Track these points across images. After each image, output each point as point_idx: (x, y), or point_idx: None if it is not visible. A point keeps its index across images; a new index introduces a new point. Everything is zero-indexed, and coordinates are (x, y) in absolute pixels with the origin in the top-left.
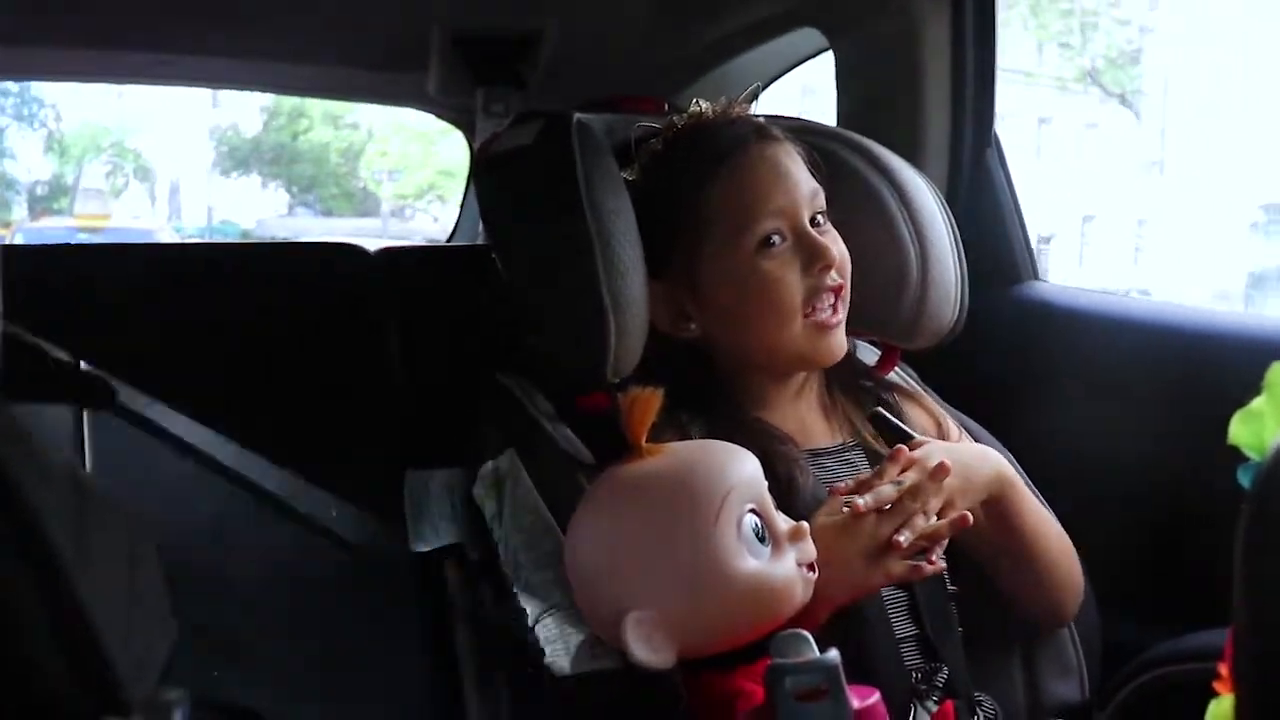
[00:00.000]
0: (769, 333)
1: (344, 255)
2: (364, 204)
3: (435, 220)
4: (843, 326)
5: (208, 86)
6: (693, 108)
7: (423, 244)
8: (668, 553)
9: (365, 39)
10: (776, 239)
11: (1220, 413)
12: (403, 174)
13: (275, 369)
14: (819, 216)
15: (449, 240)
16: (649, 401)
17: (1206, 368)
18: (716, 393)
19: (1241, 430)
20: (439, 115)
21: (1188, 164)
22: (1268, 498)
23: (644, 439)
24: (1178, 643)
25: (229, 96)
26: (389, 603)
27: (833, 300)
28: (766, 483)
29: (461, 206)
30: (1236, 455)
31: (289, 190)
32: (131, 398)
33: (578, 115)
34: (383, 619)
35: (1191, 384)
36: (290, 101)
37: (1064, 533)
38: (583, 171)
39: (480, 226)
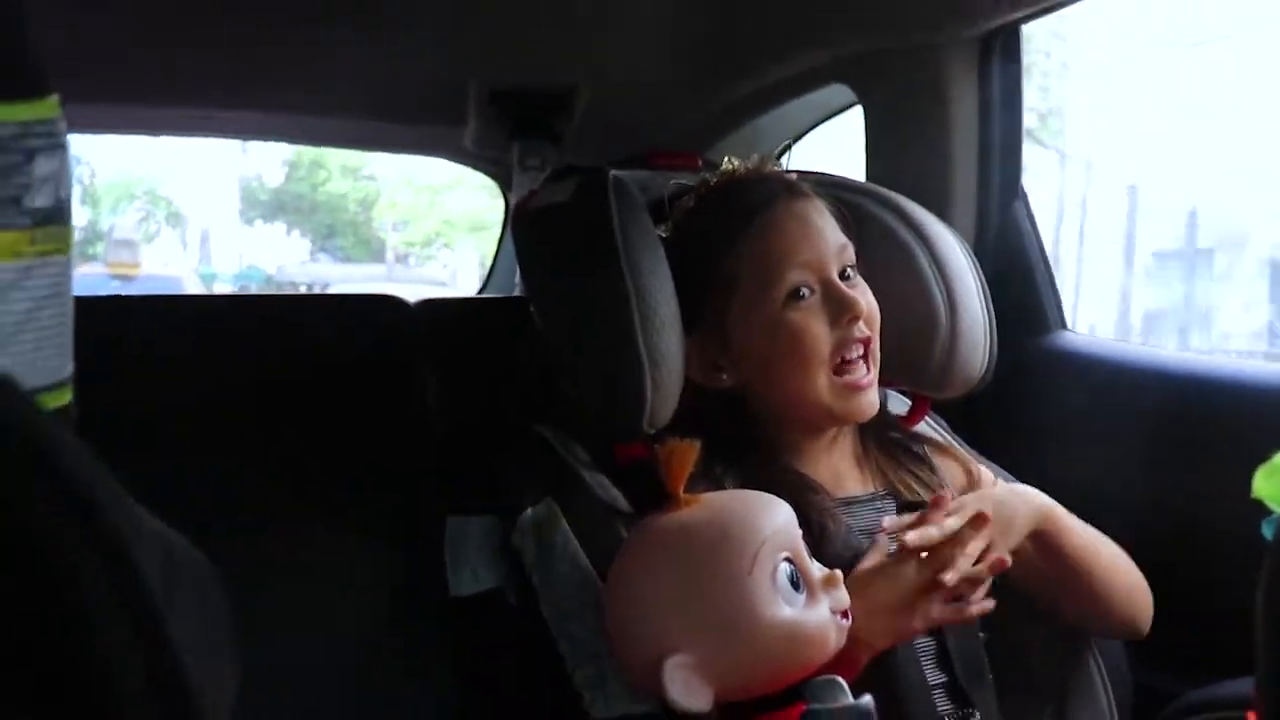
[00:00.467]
0: (796, 385)
1: (383, 306)
2: (379, 251)
3: (445, 267)
4: (874, 387)
5: (244, 139)
6: (725, 165)
7: (461, 296)
8: (705, 600)
9: (402, 93)
10: (805, 291)
11: (1251, 464)
12: (409, 224)
13: (315, 418)
14: (849, 270)
15: (481, 291)
16: (686, 453)
17: (1236, 419)
18: (750, 443)
19: (1265, 484)
20: (476, 168)
21: (1103, 210)
22: None
23: (682, 489)
24: (1209, 690)
25: (256, 146)
26: (426, 648)
27: (861, 352)
28: (800, 531)
29: (495, 258)
30: (1260, 508)
31: (310, 238)
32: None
33: (613, 172)
34: (419, 664)
35: (1220, 435)
36: (310, 154)
37: (1115, 546)
38: (619, 227)
39: (515, 277)
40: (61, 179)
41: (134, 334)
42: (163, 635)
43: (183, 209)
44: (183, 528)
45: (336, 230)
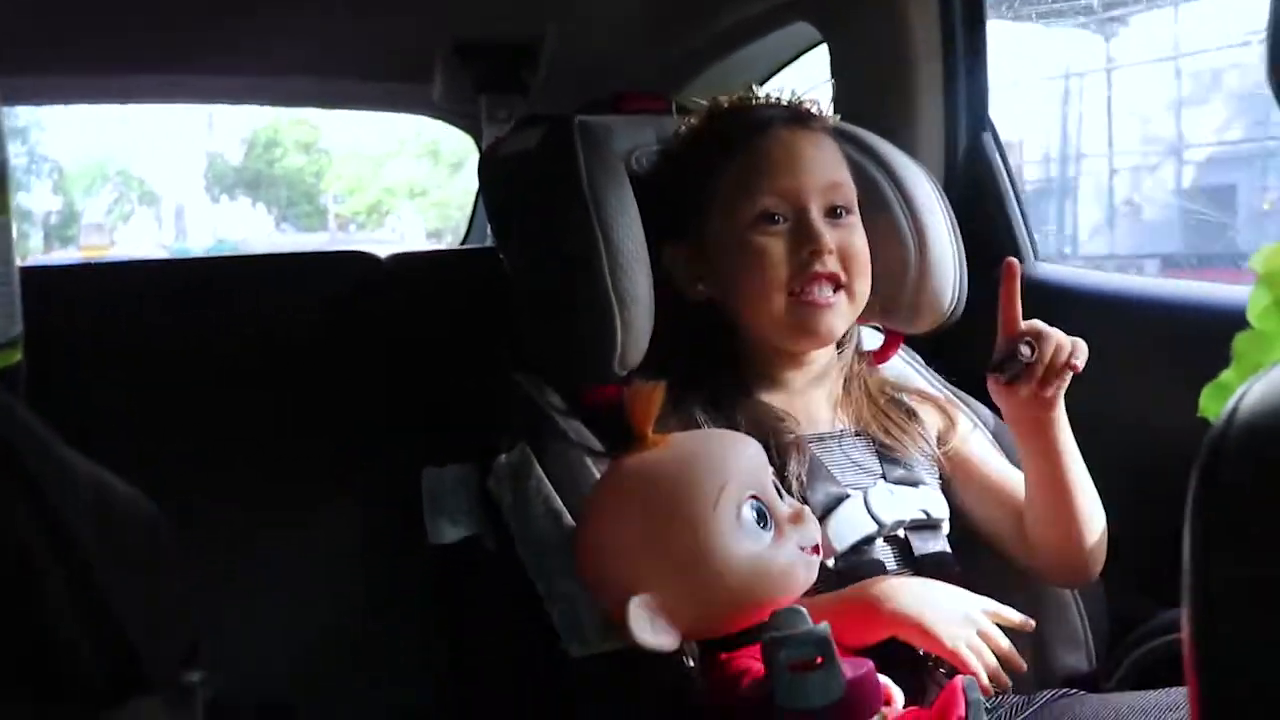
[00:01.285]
0: (755, 302)
1: (356, 262)
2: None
3: (393, 231)
4: (838, 313)
5: (218, 103)
6: (743, 93)
7: (432, 249)
8: (668, 540)
9: (371, 51)
10: (778, 218)
11: None
12: (354, 194)
13: (291, 374)
14: (839, 208)
15: (463, 243)
16: (652, 394)
17: (1206, 341)
18: (725, 375)
19: (1211, 403)
20: (447, 121)
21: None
22: (1215, 458)
23: (650, 430)
24: (1180, 611)
25: (220, 123)
26: (407, 595)
27: (830, 288)
28: (770, 468)
29: (473, 211)
30: (1208, 428)
31: (273, 211)
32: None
33: (579, 117)
34: (401, 610)
35: (1191, 358)
36: (266, 132)
37: (1097, 496)
38: (586, 171)
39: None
40: None
41: (108, 299)
42: (90, 574)
43: (155, 188)
44: (162, 488)
45: (294, 202)
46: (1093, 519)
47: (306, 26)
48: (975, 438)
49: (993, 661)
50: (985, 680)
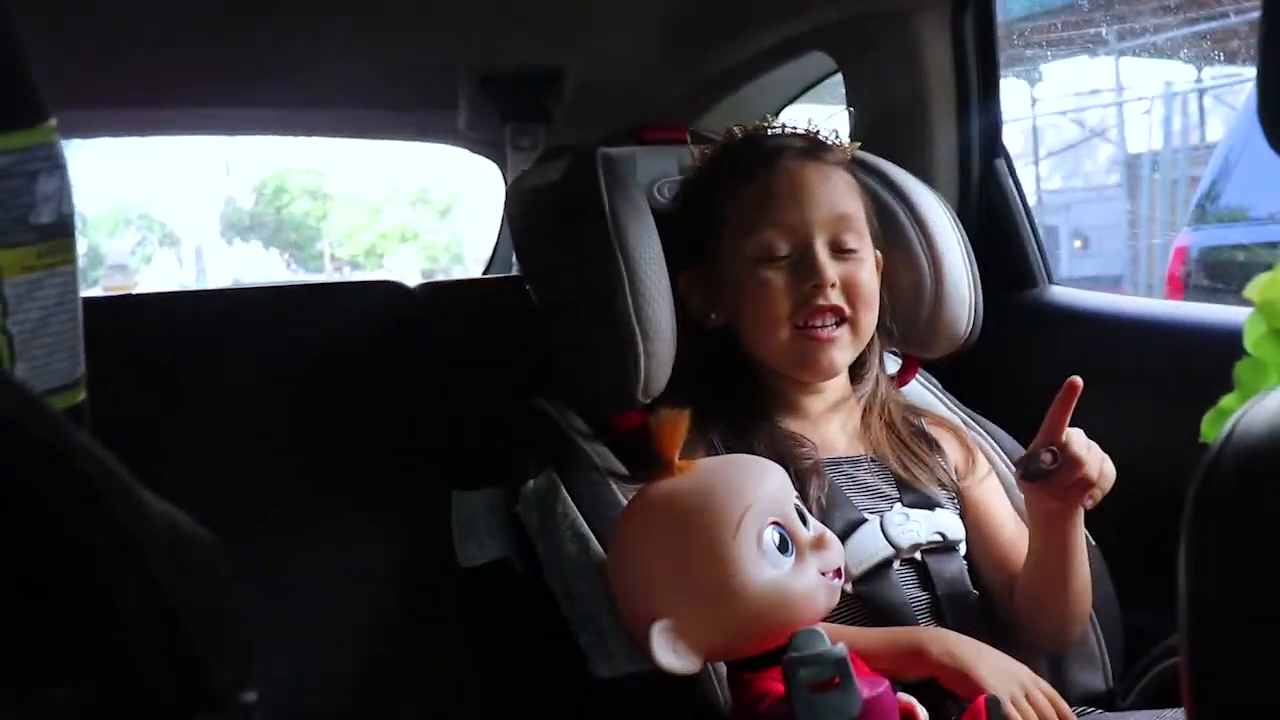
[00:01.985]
0: (760, 333)
1: (387, 291)
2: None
3: (389, 272)
4: (840, 347)
5: (249, 134)
6: (759, 123)
7: (462, 278)
8: (690, 565)
9: (394, 81)
10: (783, 251)
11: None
12: (352, 238)
13: (322, 402)
14: (846, 240)
15: (485, 272)
16: (678, 422)
17: (1221, 365)
18: (742, 398)
19: (1211, 428)
20: (472, 150)
21: None
22: (1209, 481)
23: (675, 457)
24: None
25: (235, 168)
26: (436, 616)
27: (833, 322)
28: (795, 493)
29: (497, 239)
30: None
31: (283, 254)
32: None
33: (603, 149)
34: (430, 632)
35: (1205, 381)
36: (275, 179)
37: (1089, 587)
38: (609, 203)
39: (514, 258)
40: (63, 196)
41: (142, 331)
42: (169, 607)
43: (176, 230)
44: (196, 513)
45: (300, 245)
46: (1079, 608)
47: (334, 59)
48: (991, 485)
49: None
50: None
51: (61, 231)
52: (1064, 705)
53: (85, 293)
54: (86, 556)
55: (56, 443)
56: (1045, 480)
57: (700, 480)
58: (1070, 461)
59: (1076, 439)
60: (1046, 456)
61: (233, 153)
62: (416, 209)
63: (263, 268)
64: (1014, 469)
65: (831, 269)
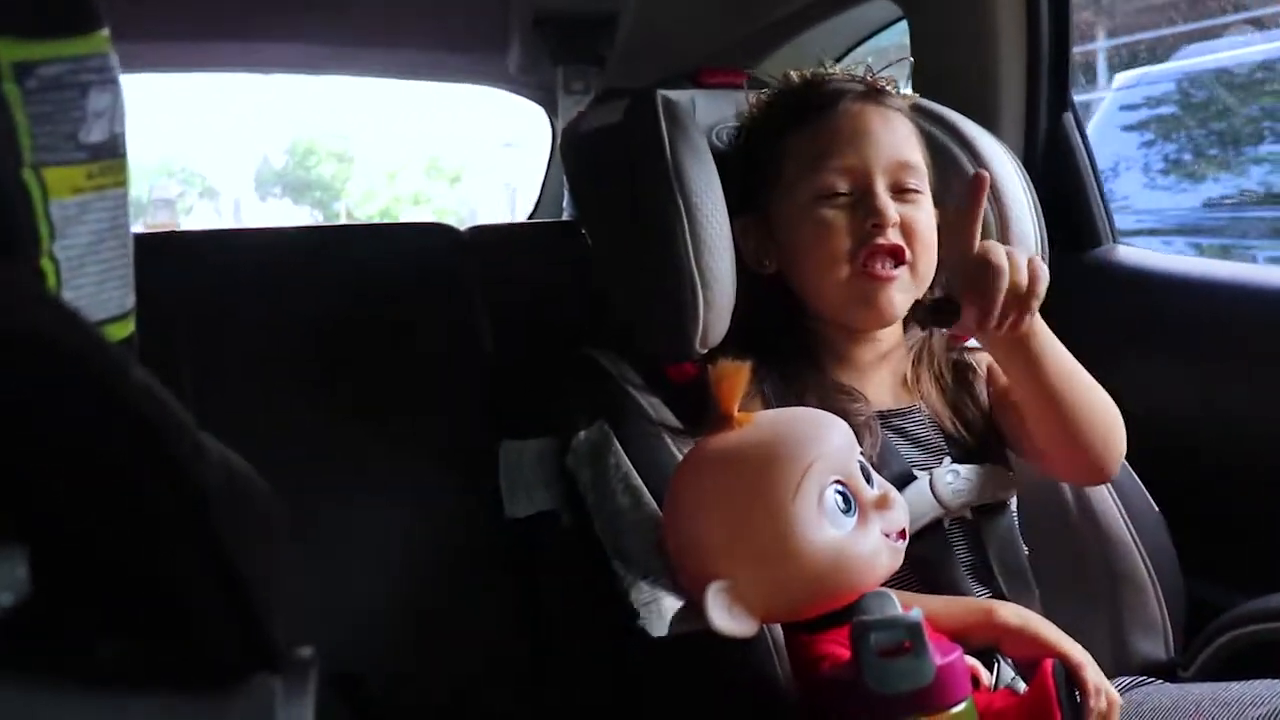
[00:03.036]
0: (818, 275)
1: (435, 234)
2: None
3: None
4: (900, 288)
5: (297, 73)
6: (817, 68)
7: (511, 222)
8: (749, 524)
9: (448, 23)
10: (843, 192)
11: None
12: (368, 201)
13: (370, 345)
14: (908, 184)
15: (531, 217)
16: (738, 374)
17: None
18: (793, 346)
19: None
20: (522, 94)
21: None
22: None
23: (734, 410)
24: (1263, 601)
25: (268, 127)
26: (481, 567)
27: (892, 263)
28: (858, 449)
29: (543, 184)
30: None
31: (313, 213)
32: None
33: (661, 92)
34: (474, 583)
35: (1273, 345)
36: (305, 142)
37: (1096, 388)
38: (670, 146)
39: (564, 203)
40: (115, 114)
41: (191, 269)
42: (227, 558)
43: (215, 184)
44: (246, 456)
45: (324, 204)
46: (1094, 417)
47: None
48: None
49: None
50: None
51: (112, 151)
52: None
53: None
54: (142, 502)
55: (115, 378)
56: (955, 320)
57: (760, 435)
58: (992, 274)
59: (994, 249)
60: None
61: (268, 114)
62: (430, 175)
63: (296, 222)
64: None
65: (892, 209)
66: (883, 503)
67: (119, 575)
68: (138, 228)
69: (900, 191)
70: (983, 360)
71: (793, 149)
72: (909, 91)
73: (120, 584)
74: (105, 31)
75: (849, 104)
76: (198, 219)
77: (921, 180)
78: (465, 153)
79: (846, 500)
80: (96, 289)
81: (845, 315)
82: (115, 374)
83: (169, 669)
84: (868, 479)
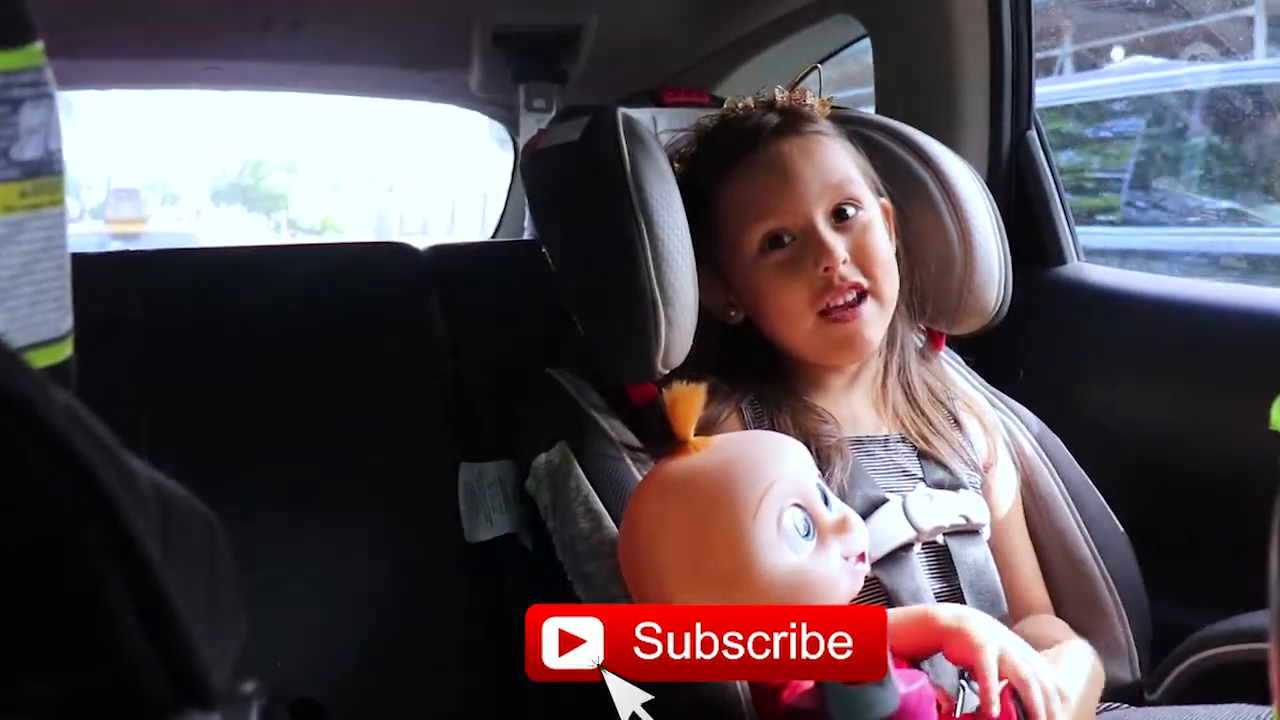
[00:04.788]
0: (784, 327)
1: (394, 253)
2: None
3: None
4: (867, 322)
5: (256, 90)
6: (729, 102)
7: (471, 241)
8: (707, 548)
9: (408, 39)
10: (785, 239)
11: (1267, 394)
12: (309, 212)
13: (327, 365)
14: (847, 205)
15: (493, 236)
16: (692, 397)
17: (1252, 348)
18: (768, 374)
19: None
20: (483, 112)
21: None
22: None
23: (690, 433)
24: (1230, 623)
25: (224, 138)
26: (441, 593)
27: (853, 298)
28: (817, 473)
29: (505, 203)
30: (1277, 440)
31: (264, 219)
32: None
33: (622, 109)
34: (434, 608)
35: (1238, 364)
36: (256, 154)
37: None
38: (630, 163)
39: (525, 222)
40: (50, 129)
41: (145, 289)
42: (156, 580)
43: (176, 190)
44: (191, 479)
45: (271, 212)
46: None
47: (343, 13)
48: (1007, 486)
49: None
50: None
51: (48, 169)
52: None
53: (86, 225)
54: (64, 531)
55: (34, 401)
56: None
57: (717, 459)
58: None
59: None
60: None
61: (223, 126)
62: (369, 187)
63: (250, 231)
64: (1040, 451)
65: (840, 245)
66: (841, 526)
67: (43, 608)
68: (98, 225)
69: (840, 216)
70: (976, 438)
71: (725, 202)
72: (826, 98)
73: (44, 617)
74: (39, 45)
75: (768, 144)
76: (160, 224)
77: (860, 192)
78: (407, 165)
79: (806, 523)
80: (30, 311)
81: (821, 358)
82: (33, 397)
83: (98, 707)
84: (826, 502)
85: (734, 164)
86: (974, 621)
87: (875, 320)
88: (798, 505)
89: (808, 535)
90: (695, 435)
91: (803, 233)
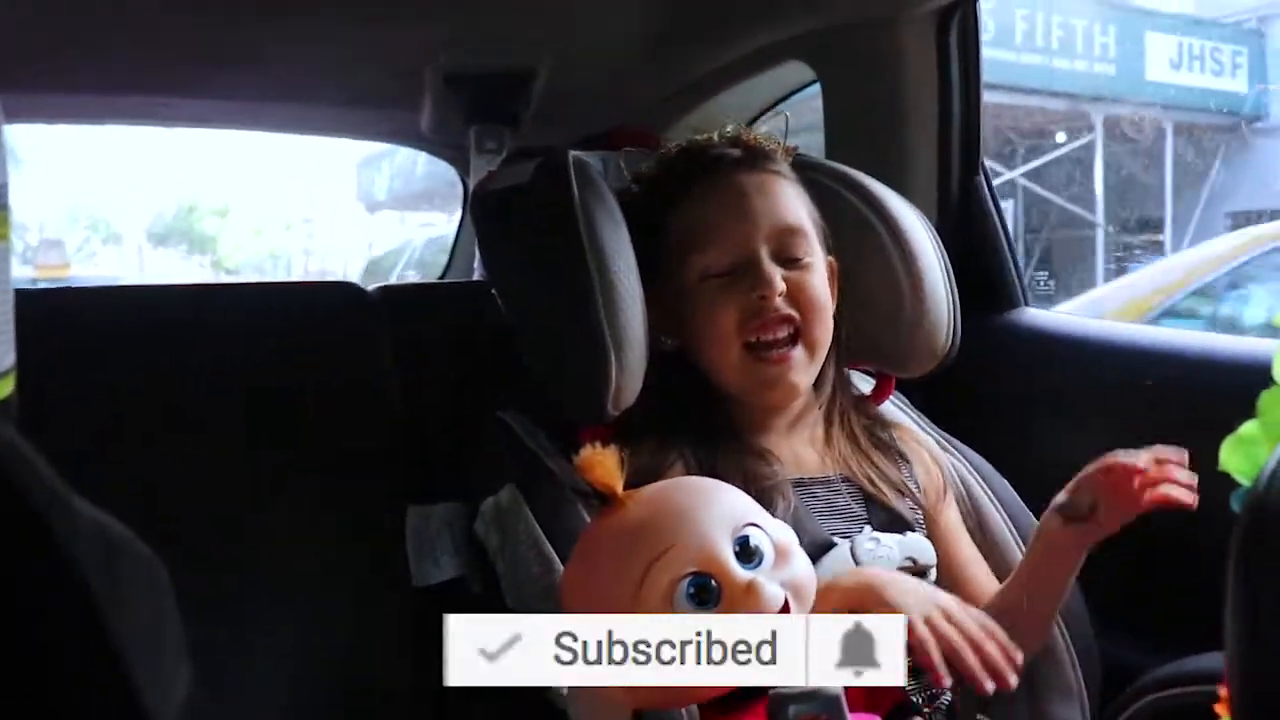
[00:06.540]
0: (714, 353)
1: (342, 293)
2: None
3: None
4: (795, 367)
5: (205, 127)
6: (694, 137)
7: (421, 282)
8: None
9: (358, 79)
10: (726, 265)
11: (1215, 437)
12: (237, 253)
13: (274, 406)
14: (793, 249)
15: (442, 277)
16: (605, 460)
17: (1199, 392)
18: (709, 416)
19: (1232, 456)
20: (434, 153)
21: None
22: (1260, 521)
23: (619, 490)
24: (1179, 665)
25: (162, 180)
26: (390, 636)
27: (785, 336)
28: (747, 519)
29: (454, 244)
30: (1227, 481)
31: (201, 262)
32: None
33: (573, 152)
34: (384, 652)
35: (1183, 408)
36: (189, 199)
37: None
38: (580, 207)
39: (475, 263)
40: None
41: (83, 326)
42: (98, 628)
43: (119, 229)
44: (142, 518)
45: (202, 254)
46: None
47: (295, 52)
48: (954, 514)
49: (954, 640)
50: (938, 658)
51: None
52: (993, 625)
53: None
54: (4, 569)
55: None
56: (1081, 522)
57: (635, 517)
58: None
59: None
60: (1086, 499)
61: (162, 168)
62: (289, 232)
63: (186, 271)
64: (988, 492)
65: (778, 278)
66: (748, 591)
67: None
68: (29, 270)
69: (786, 259)
70: (921, 473)
71: (675, 225)
72: (791, 145)
73: None
74: None
75: (726, 174)
76: (103, 265)
77: (809, 244)
78: (327, 211)
79: (705, 591)
80: None
81: (748, 395)
82: None
83: None
84: (752, 555)
85: (690, 190)
86: (877, 581)
87: (803, 367)
88: (696, 573)
89: (707, 603)
90: (639, 484)
91: (744, 265)
